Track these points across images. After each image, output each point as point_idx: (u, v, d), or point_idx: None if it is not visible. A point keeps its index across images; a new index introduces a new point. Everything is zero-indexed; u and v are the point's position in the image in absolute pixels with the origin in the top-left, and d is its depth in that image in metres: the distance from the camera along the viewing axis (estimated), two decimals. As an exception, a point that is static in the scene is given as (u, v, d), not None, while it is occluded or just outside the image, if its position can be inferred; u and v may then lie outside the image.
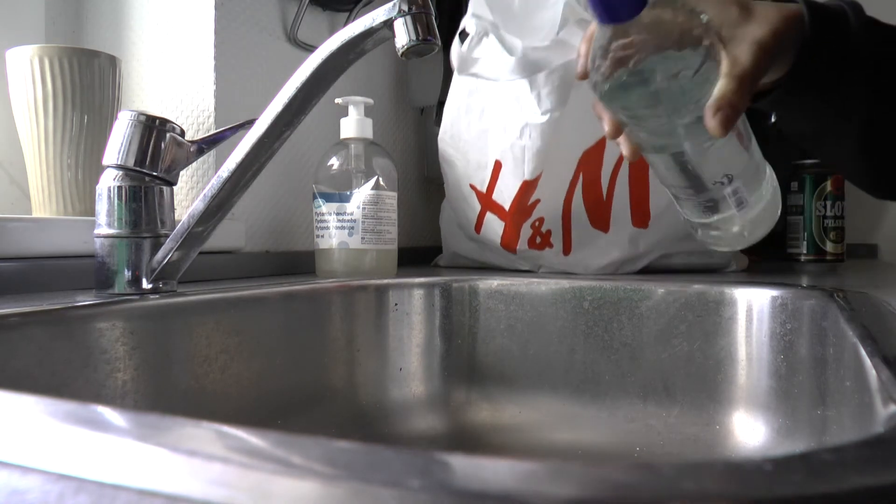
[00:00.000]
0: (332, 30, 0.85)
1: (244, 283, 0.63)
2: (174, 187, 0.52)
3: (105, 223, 0.49)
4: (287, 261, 0.77)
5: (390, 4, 0.43)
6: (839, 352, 0.47)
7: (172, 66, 0.71)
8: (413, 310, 0.65)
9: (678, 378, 0.59)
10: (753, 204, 0.48)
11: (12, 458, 0.18)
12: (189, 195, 0.70)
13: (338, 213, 0.68)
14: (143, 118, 0.49)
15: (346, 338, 0.63)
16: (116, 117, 0.50)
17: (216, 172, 0.48)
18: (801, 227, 1.00)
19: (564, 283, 0.63)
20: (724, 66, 0.44)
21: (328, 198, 0.69)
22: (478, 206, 0.78)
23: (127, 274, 0.49)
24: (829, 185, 0.97)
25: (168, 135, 0.50)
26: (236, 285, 0.59)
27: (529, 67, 0.65)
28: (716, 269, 0.77)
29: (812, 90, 0.50)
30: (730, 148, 0.46)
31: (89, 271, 0.51)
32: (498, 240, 0.77)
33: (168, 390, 0.47)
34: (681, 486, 0.15)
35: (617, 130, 0.49)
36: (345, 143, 0.71)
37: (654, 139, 0.46)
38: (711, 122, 0.44)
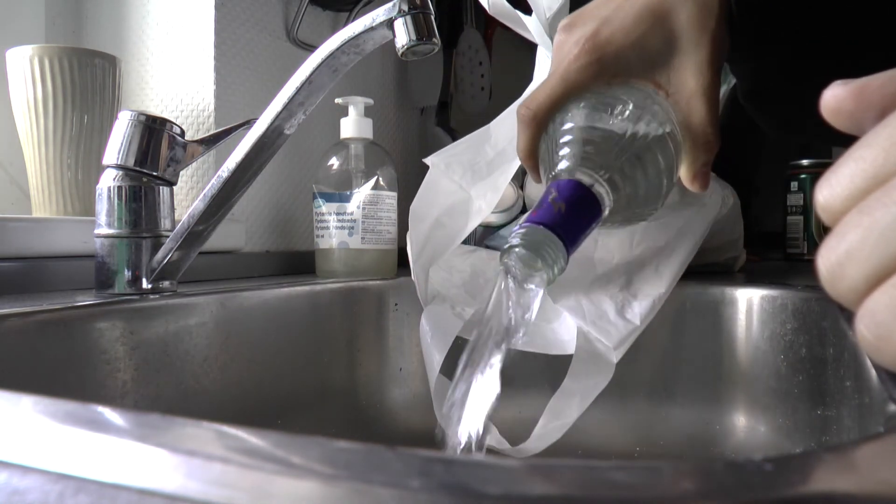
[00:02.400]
0: (333, 30, 0.85)
1: (244, 283, 0.63)
2: (174, 187, 0.52)
3: (105, 223, 0.49)
4: (287, 261, 0.77)
5: (390, 4, 0.43)
6: (839, 352, 0.47)
7: (172, 66, 0.71)
8: (413, 310, 0.65)
9: (678, 378, 0.59)
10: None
11: (12, 458, 0.18)
12: (189, 195, 0.70)
13: (338, 213, 0.68)
14: (143, 118, 0.49)
15: (346, 338, 0.63)
16: (116, 117, 0.50)
17: (216, 172, 0.48)
18: (801, 227, 1.00)
19: (564, 283, 0.63)
20: (680, 126, 0.40)
21: (328, 198, 0.69)
22: None
23: (127, 274, 0.49)
24: (829, 185, 0.96)
25: (168, 135, 0.50)
26: (236, 285, 0.59)
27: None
28: (716, 270, 0.77)
29: (750, 55, 0.45)
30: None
31: (89, 271, 0.51)
32: None
33: (168, 390, 0.47)
34: (681, 486, 0.15)
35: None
36: (345, 143, 0.71)
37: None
38: (693, 187, 0.42)
